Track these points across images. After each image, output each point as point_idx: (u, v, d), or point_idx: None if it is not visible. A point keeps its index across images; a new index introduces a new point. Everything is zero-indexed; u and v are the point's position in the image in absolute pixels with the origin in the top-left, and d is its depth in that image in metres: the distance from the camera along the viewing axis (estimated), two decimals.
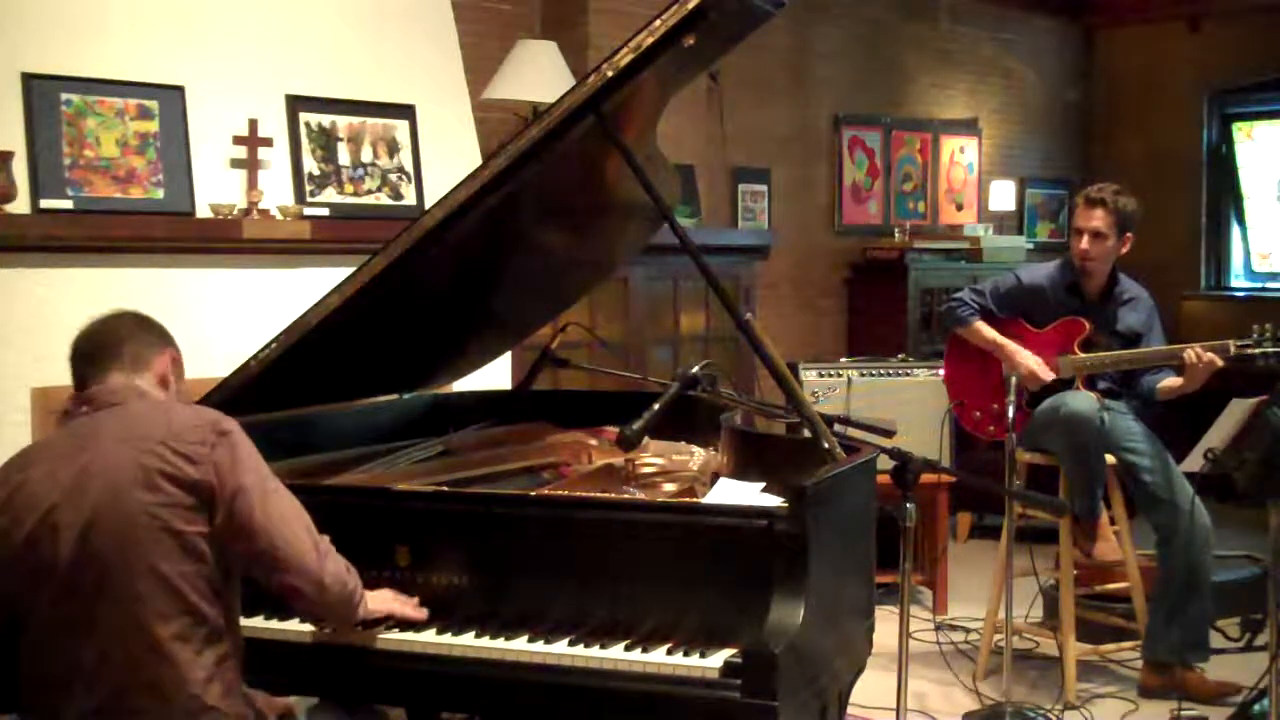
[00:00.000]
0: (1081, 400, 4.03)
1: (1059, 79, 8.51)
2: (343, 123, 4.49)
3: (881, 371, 5.32)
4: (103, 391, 2.18)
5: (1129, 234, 4.18)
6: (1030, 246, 7.60)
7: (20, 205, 3.71)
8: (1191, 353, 3.90)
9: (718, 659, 2.17)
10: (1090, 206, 4.17)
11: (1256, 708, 3.70)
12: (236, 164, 4.22)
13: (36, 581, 2.10)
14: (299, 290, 3.95)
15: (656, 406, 2.50)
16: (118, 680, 2.04)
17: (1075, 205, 4.29)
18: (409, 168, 4.63)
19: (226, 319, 4.00)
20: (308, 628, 2.40)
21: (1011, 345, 4.20)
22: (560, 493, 2.73)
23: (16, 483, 2.12)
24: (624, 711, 2.22)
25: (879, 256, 7.08)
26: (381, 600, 2.35)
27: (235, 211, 4.11)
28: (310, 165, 4.38)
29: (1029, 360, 4.12)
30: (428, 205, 3.45)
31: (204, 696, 2.05)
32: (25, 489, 2.10)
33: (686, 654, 2.20)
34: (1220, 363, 3.88)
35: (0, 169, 3.63)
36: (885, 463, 2.59)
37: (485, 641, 2.31)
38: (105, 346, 2.22)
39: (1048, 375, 4.12)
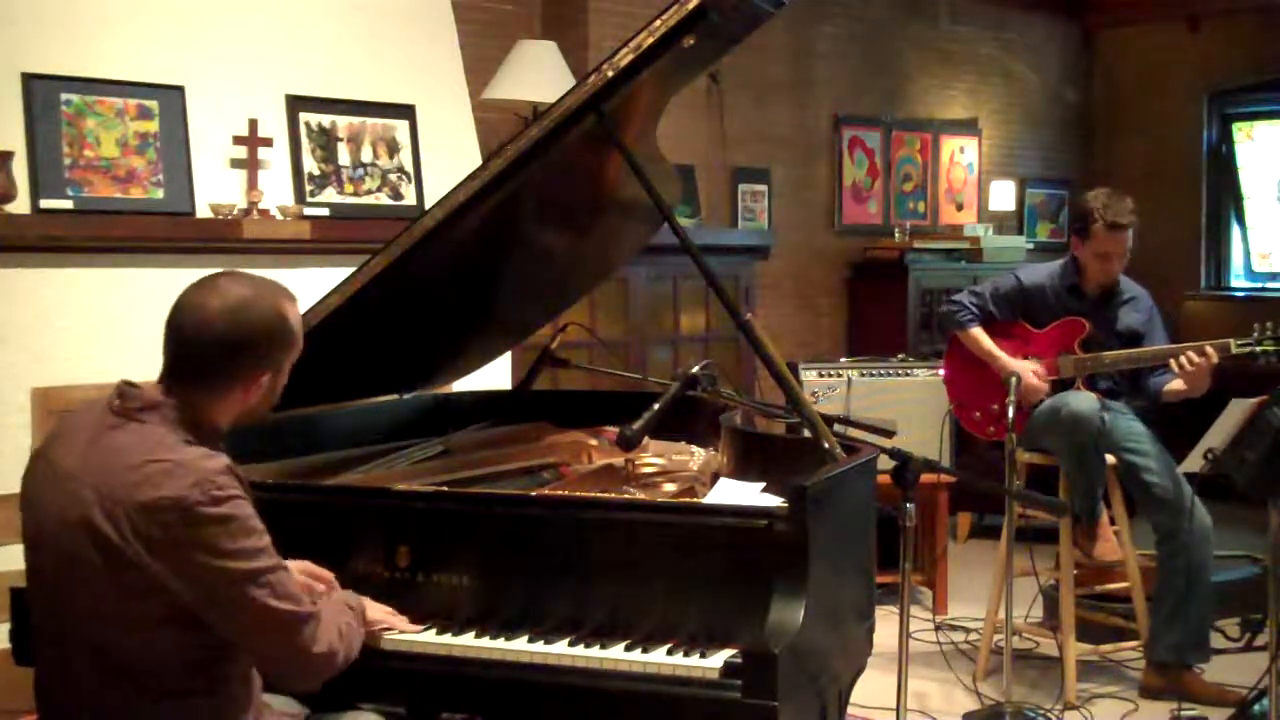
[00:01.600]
0: (1082, 400, 4.02)
1: (1059, 79, 8.52)
2: (343, 123, 4.49)
3: (881, 371, 5.31)
4: (135, 398, 2.03)
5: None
6: (1030, 246, 7.60)
7: (20, 205, 3.71)
8: (1183, 358, 3.90)
9: (718, 659, 2.17)
10: (1118, 231, 4.10)
11: (1256, 708, 3.70)
12: (236, 164, 4.22)
13: (34, 587, 2.10)
14: (299, 290, 3.93)
15: (656, 406, 2.50)
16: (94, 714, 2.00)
17: (1092, 231, 4.12)
18: (409, 168, 4.63)
19: None
20: None
21: (1005, 358, 4.20)
22: (560, 493, 2.72)
23: (34, 481, 2.08)
24: (624, 711, 2.22)
25: (879, 256, 7.08)
26: (375, 611, 2.32)
27: (235, 211, 4.12)
28: (310, 165, 4.38)
29: (1025, 375, 4.12)
30: (428, 205, 3.45)
31: None
32: (34, 493, 2.07)
33: (686, 654, 2.20)
34: (1215, 358, 3.87)
35: (0, 169, 3.63)
36: (885, 463, 2.59)
37: (485, 641, 2.30)
38: (186, 360, 2.04)
39: (1044, 387, 4.11)
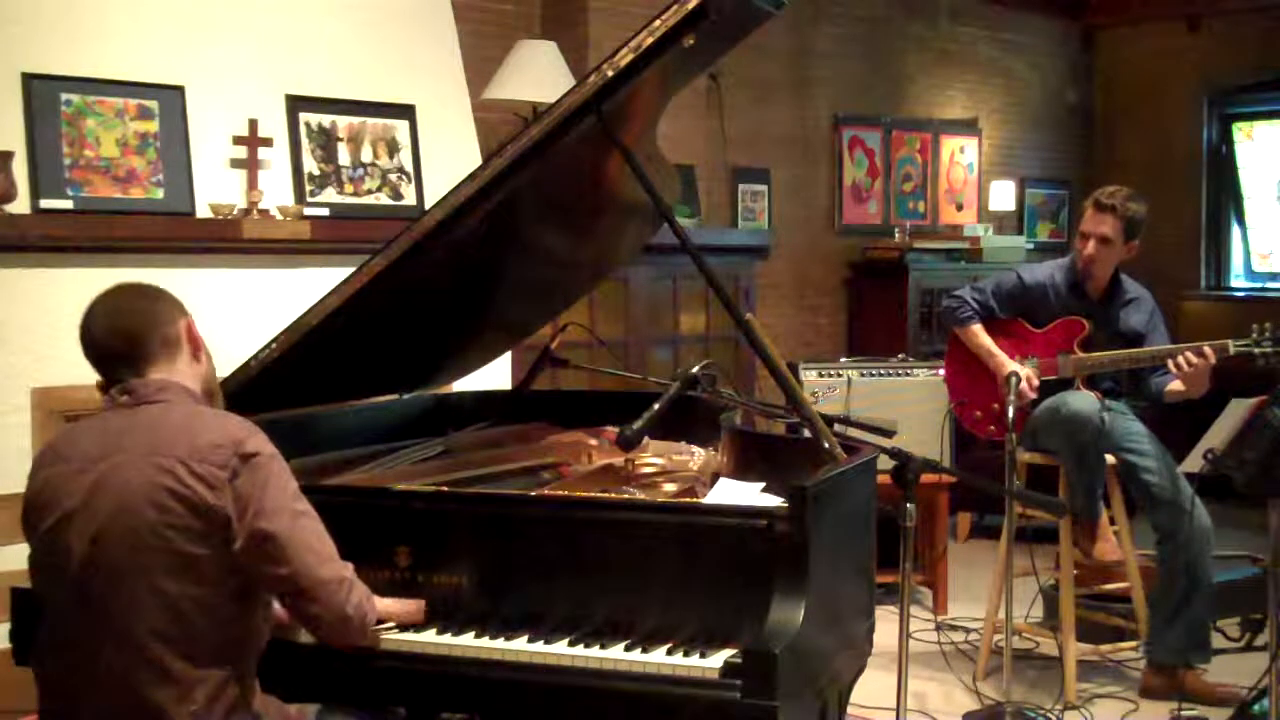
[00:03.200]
0: (1082, 400, 4.02)
1: (1059, 79, 8.52)
2: (343, 123, 4.49)
3: (881, 371, 5.32)
4: (145, 386, 2.13)
5: (1135, 241, 4.18)
6: (1030, 246, 7.60)
7: (20, 205, 3.71)
8: (1181, 359, 3.90)
9: (718, 659, 2.17)
10: (1100, 212, 4.15)
11: (1256, 708, 3.70)
12: (236, 164, 4.22)
13: (53, 581, 2.11)
14: (299, 290, 3.95)
15: (656, 406, 2.50)
16: (121, 695, 2.02)
17: (1084, 208, 4.27)
18: (409, 168, 4.63)
19: (226, 319, 3.99)
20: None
21: (1002, 357, 4.20)
22: (560, 493, 2.72)
23: (44, 477, 2.11)
24: (624, 711, 2.22)
25: (879, 256, 7.08)
26: (382, 604, 2.34)
27: (235, 211, 4.12)
28: (310, 165, 4.38)
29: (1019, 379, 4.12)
30: (428, 205, 3.45)
31: (207, 717, 2.03)
32: (51, 485, 2.10)
33: (686, 654, 2.20)
34: (1213, 359, 3.87)
35: (0, 169, 3.63)
36: (885, 463, 2.59)
37: (485, 641, 2.31)
38: (135, 343, 2.15)
39: (1031, 394, 4.11)
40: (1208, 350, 3.87)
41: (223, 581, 2.05)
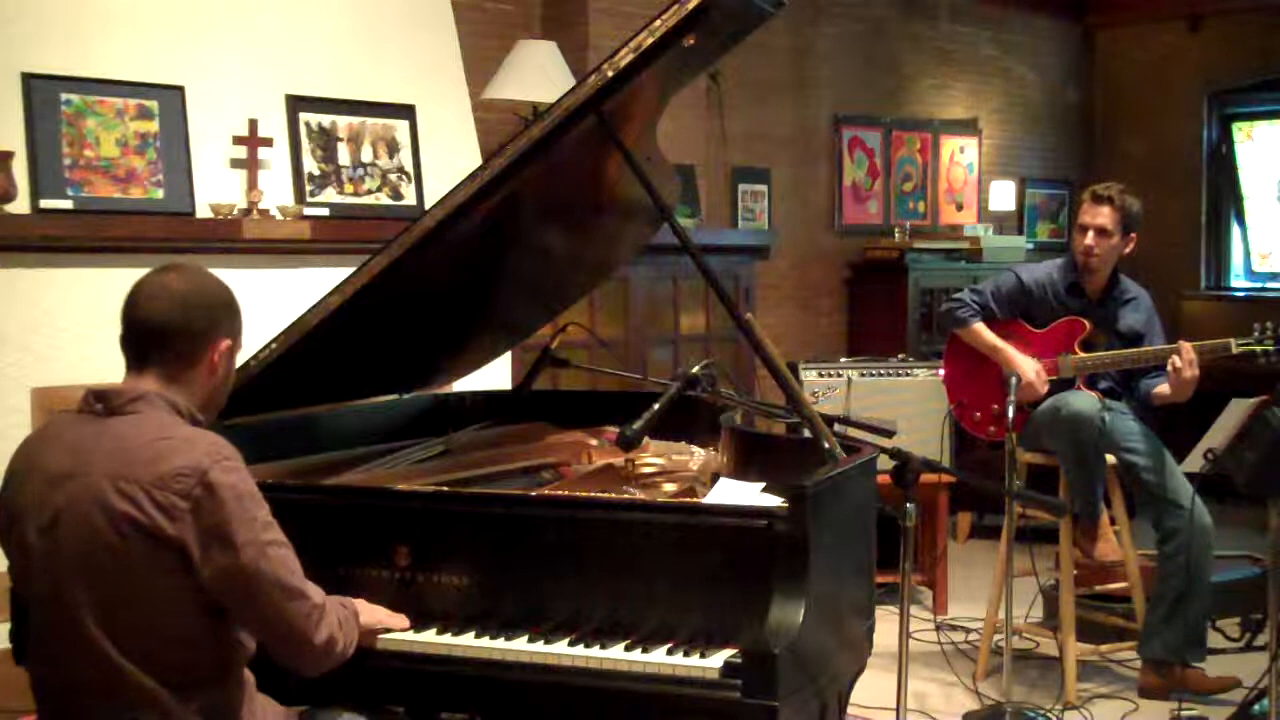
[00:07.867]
0: (1082, 400, 4.02)
1: (1059, 79, 8.52)
2: (343, 123, 4.49)
3: (881, 371, 5.31)
4: (119, 395, 2.07)
5: (1133, 234, 4.19)
6: (1030, 246, 7.61)
7: (20, 205, 3.72)
8: (1176, 359, 3.89)
9: (718, 659, 2.17)
10: (1097, 203, 4.18)
11: (1256, 708, 3.70)
12: (236, 164, 4.22)
13: (26, 589, 2.11)
14: (299, 290, 3.95)
15: (656, 406, 2.50)
16: (102, 712, 2.01)
17: (1080, 202, 4.31)
18: (409, 168, 4.63)
19: None
20: None
21: (1010, 351, 4.19)
22: (560, 493, 2.72)
23: (16, 486, 2.09)
24: (624, 711, 2.22)
25: (879, 256, 7.08)
26: (369, 614, 2.33)
27: (235, 211, 4.12)
28: (310, 165, 4.39)
29: (1027, 370, 4.11)
30: (428, 205, 3.45)
31: None
32: (21, 496, 2.07)
33: (686, 654, 2.20)
34: (1195, 370, 3.88)
35: (0, 169, 3.63)
36: (885, 463, 2.59)
37: (485, 641, 2.30)
38: (154, 339, 2.09)
39: (1042, 388, 4.12)
40: (1192, 357, 3.87)
41: (186, 605, 2.00)
